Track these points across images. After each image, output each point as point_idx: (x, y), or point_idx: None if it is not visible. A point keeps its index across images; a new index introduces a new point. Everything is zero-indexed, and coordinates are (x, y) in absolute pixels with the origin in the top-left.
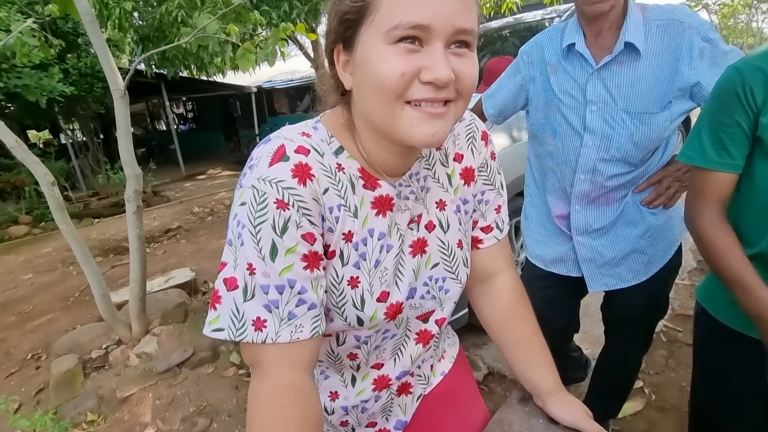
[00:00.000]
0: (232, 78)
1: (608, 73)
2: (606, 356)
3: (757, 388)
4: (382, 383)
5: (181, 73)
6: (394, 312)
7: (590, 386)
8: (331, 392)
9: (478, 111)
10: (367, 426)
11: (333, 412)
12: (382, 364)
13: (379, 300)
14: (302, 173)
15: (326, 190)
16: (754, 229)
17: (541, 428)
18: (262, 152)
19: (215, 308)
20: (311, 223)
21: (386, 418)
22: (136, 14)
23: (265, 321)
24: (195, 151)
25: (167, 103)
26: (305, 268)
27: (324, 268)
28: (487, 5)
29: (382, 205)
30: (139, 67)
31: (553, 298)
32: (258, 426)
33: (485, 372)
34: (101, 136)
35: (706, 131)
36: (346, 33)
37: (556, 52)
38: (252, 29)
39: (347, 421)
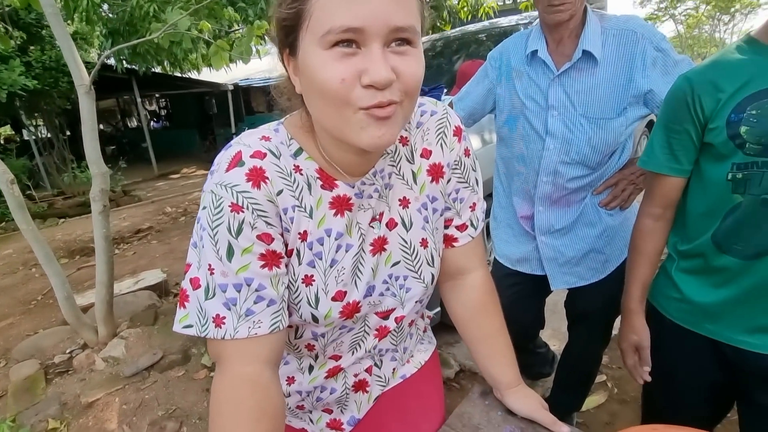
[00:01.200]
0: (207, 75)
1: (568, 79)
2: (569, 351)
3: (701, 381)
4: (334, 370)
5: (153, 69)
6: (351, 311)
7: (555, 380)
8: (288, 377)
9: None
10: (323, 411)
11: (289, 395)
12: (340, 356)
13: (334, 299)
14: (256, 176)
15: (280, 192)
16: (696, 228)
17: (498, 420)
18: (221, 158)
19: (184, 306)
20: (267, 223)
21: (341, 410)
22: (105, 6)
23: (224, 318)
24: (168, 150)
25: (139, 100)
26: (263, 266)
27: (286, 266)
28: (465, 9)
29: (340, 205)
30: (109, 61)
31: (520, 296)
32: (217, 416)
33: (457, 369)
34: (68, 133)
35: (658, 136)
36: (287, 39)
37: (521, 57)
38: (228, 26)
39: (303, 405)
